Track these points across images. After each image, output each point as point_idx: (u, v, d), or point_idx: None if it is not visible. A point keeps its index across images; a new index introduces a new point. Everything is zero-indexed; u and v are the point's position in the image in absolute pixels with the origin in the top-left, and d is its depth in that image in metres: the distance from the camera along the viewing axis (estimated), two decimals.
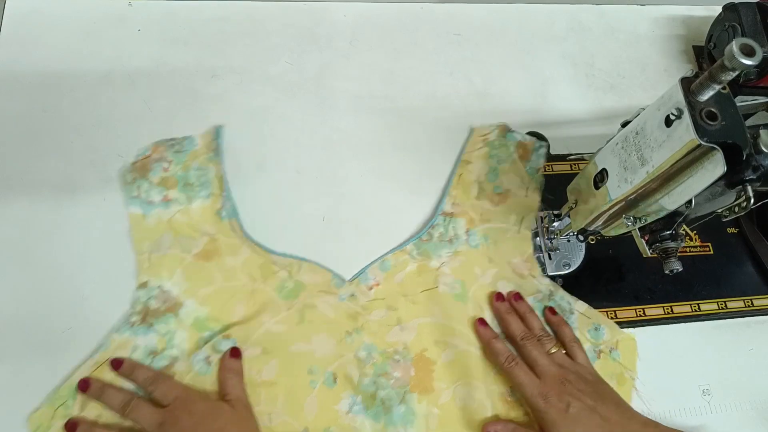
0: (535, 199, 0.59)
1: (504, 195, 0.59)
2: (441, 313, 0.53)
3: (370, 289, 0.53)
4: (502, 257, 0.56)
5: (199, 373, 0.48)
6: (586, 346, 0.53)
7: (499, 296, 0.55)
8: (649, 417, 0.49)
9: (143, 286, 0.50)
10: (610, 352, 0.54)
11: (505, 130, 0.62)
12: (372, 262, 0.54)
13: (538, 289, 0.55)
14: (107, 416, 0.46)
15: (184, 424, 0.45)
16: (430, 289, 0.54)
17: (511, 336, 0.53)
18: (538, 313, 0.54)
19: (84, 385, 0.47)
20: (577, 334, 0.53)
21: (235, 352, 0.49)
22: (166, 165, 0.55)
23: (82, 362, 0.48)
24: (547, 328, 0.54)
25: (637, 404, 0.52)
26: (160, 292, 0.50)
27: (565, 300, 0.55)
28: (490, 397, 0.50)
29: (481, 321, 0.53)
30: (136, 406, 0.46)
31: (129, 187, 0.54)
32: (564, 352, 0.52)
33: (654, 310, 0.56)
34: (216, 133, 0.58)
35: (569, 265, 0.57)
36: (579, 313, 0.55)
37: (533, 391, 0.48)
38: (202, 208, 0.54)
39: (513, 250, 0.57)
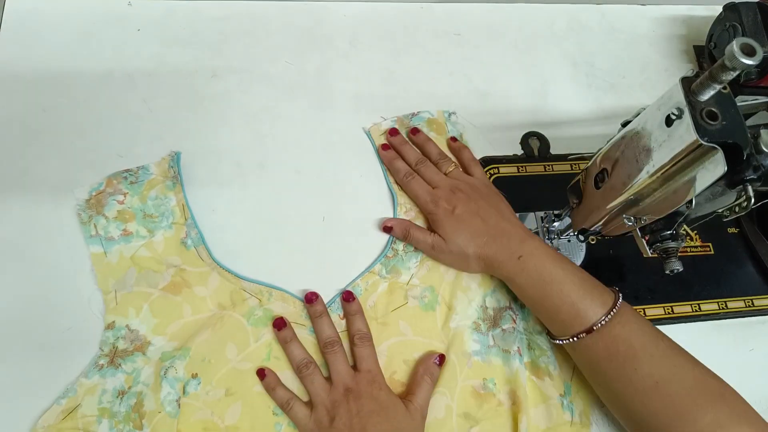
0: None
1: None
2: (410, 330, 0.52)
3: (342, 318, 0.52)
4: None
5: (170, 416, 0.46)
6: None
7: (392, 131, 0.59)
8: None
9: (110, 326, 0.49)
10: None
11: (406, 118, 0.61)
12: (342, 290, 0.53)
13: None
14: None
15: (366, 405, 0.45)
16: (399, 307, 0.53)
17: (408, 163, 0.57)
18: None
19: (281, 324, 0.49)
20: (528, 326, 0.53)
21: (441, 359, 0.50)
22: (121, 198, 0.53)
23: (48, 408, 0.46)
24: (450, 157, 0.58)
25: None
26: (127, 331, 0.49)
27: None
28: (455, 398, 0.49)
29: (385, 146, 0.58)
30: (338, 351, 0.48)
31: (86, 227, 0.52)
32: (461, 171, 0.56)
33: (654, 310, 0.56)
34: (173, 160, 0.56)
35: None
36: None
37: (426, 198, 0.54)
38: (166, 239, 0.52)
39: None
